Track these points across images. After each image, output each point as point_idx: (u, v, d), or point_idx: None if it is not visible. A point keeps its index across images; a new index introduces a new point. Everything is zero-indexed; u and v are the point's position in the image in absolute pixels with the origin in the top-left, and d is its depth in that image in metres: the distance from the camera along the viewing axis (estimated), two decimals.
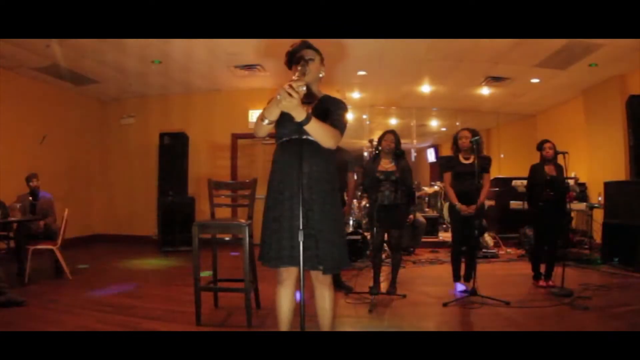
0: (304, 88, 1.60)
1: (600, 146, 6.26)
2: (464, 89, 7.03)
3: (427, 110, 9.03)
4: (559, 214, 3.92)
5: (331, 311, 1.94)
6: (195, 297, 2.81)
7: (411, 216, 5.37)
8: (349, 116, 2.19)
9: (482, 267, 4.30)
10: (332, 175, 1.90)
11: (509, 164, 8.65)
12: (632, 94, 5.31)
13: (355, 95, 7.41)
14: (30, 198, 4.65)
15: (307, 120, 1.66)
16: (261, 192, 2.31)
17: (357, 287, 3.80)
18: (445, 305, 3.28)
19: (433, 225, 6.66)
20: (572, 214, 5.45)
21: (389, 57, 5.49)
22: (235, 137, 6.95)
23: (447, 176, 3.83)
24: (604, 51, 4.96)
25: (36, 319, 2.90)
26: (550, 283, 3.83)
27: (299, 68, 1.73)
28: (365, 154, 8.37)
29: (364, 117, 8.69)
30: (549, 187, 3.84)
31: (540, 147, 3.98)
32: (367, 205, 5.30)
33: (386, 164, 3.63)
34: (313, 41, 1.97)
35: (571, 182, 5.11)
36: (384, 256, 4.48)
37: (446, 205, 5.18)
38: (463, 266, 3.81)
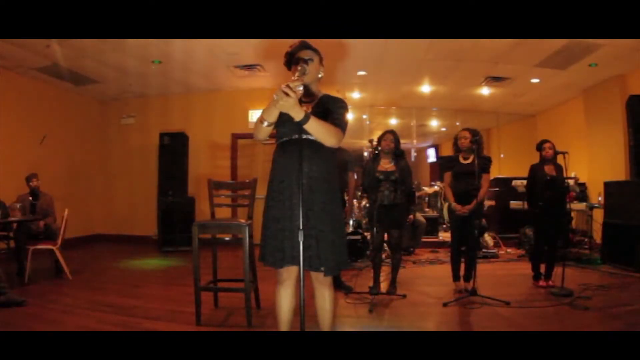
0: (301, 88, 1.59)
1: (600, 146, 6.26)
2: (464, 89, 7.03)
3: (427, 110, 9.03)
4: (559, 214, 3.92)
5: (331, 311, 1.94)
6: (195, 297, 2.81)
7: (411, 216, 5.39)
8: (349, 116, 2.18)
9: (482, 267, 4.30)
10: (332, 175, 1.90)
11: (509, 164, 8.65)
12: (632, 94, 5.31)
13: (355, 95, 7.41)
14: (30, 198, 4.65)
15: (305, 119, 1.65)
16: (261, 192, 2.32)
17: (357, 287, 3.80)
18: (445, 305, 3.28)
19: (433, 225, 6.66)
20: (572, 214, 5.44)
21: (389, 57, 5.49)
22: (235, 137, 6.95)
23: (447, 176, 3.83)
24: (604, 51, 4.96)
25: (36, 319, 2.90)
26: (550, 283, 3.83)
27: (298, 69, 1.73)
28: (365, 154, 8.38)
29: (364, 117, 8.69)
30: (548, 187, 3.84)
31: (540, 147, 3.98)
32: (367, 205, 5.30)
33: (386, 164, 3.63)
34: (313, 41, 1.97)
35: (571, 182, 5.11)
36: (384, 256, 4.48)
37: (446, 205, 5.18)
38: (463, 266, 3.81)
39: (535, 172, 3.99)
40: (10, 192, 4.69)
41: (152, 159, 6.85)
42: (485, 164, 3.70)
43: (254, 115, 6.79)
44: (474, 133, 3.73)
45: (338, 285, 3.61)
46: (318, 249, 1.77)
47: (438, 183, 7.77)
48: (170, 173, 6.58)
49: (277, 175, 1.86)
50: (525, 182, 4.37)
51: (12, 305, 3.14)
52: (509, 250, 6.07)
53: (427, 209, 7.68)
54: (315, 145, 1.81)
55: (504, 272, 4.72)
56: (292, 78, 1.65)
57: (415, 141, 9.92)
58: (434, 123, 10.12)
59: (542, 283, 3.90)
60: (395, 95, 7.67)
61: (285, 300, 1.89)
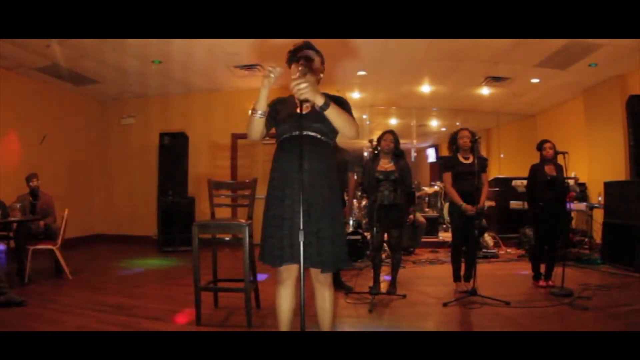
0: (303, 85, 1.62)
1: (600, 146, 6.26)
2: (464, 89, 7.03)
3: (427, 110, 9.02)
4: (559, 214, 3.92)
5: (331, 312, 1.93)
6: (195, 297, 2.81)
7: (411, 216, 5.38)
8: None
9: (482, 267, 4.30)
10: (332, 171, 1.90)
11: (509, 164, 8.65)
12: (632, 94, 5.31)
13: (355, 95, 7.40)
14: (30, 198, 4.65)
15: (326, 105, 1.67)
16: (261, 192, 2.32)
17: (357, 287, 3.80)
18: (445, 305, 3.28)
19: (433, 225, 6.65)
20: (572, 214, 5.45)
21: (389, 57, 5.49)
22: (235, 137, 6.96)
23: (448, 176, 3.81)
24: (604, 51, 4.96)
25: (36, 319, 2.90)
26: (550, 283, 3.83)
27: (300, 68, 1.74)
28: (365, 154, 8.38)
29: (364, 117, 8.69)
30: (549, 187, 3.84)
31: (540, 147, 3.98)
32: (367, 205, 5.30)
33: (385, 164, 3.63)
34: (314, 41, 1.98)
35: (571, 182, 5.11)
36: (384, 256, 4.48)
37: (446, 205, 5.17)
38: (463, 266, 3.80)
39: (535, 172, 3.99)
40: (10, 192, 4.69)
41: (152, 159, 6.84)
42: (484, 163, 3.71)
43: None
44: (472, 134, 3.74)
45: (338, 285, 3.61)
46: (317, 245, 1.77)
47: (438, 183, 7.77)
48: (170, 173, 6.58)
49: (278, 174, 1.86)
50: (525, 182, 4.37)
51: (12, 305, 3.14)
52: (509, 250, 6.07)
53: (427, 209, 7.68)
54: (315, 141, 1.82)
55: (504, 272, 4.72)
56: (292, 77, 1.67)
57: (415, 141, 9.92)
58: (434, 123, 10.12)
59: (542, 283, 3.90)
60: (395, 95, 7.67)
61: (285, 300, 1.89)
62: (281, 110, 1.93)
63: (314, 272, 1.87)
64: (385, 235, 3.70)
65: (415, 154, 10.33)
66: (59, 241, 4.21)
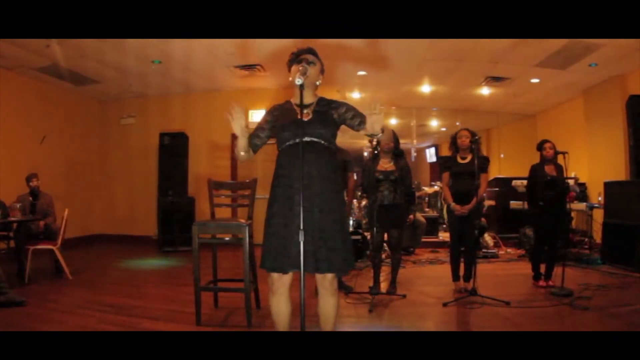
0: (300, 80, 1.68)
1: (600, 146, 6.26)
2: (464, 89, 7.03)
3: (427, 110, 9.02)
4: (559, 214, 3.92)
5: (334, 317, 1.92)
6: (195, 297, 2.81)
7: (411, 216, 5.38)
8: None
9: (482, 267, 4.30)
10: (336, 175, 1.92)
11: (509, 164, 8.65)
12: (632, 94, 5.31)
13: (355, 95, 7.40)
14: (30, 198, 4.65)
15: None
16: (261, 192, 2.32)
17: (357, 287, 3.80)
18: (445, 305, 3.28)
19: (433, 225, 6.66)
20: (572, 214, 5.45)
21: (389, 57, 5.49)
22: (235, 137, 6.86)
23: (445, 176, 3.83)
24: (604, 51, 4.96)
25: (36, 319, 2.90)
26: (550, 283, 3.83)
27: (300, 68, 1.75)
28: (365, 154, 8.37)
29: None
30: (549, 187, 3.84)
31: (540, 147, 3.98)
32: (367, 205, 5.30)
33: (385, 164, 3.63)
34: (313, 41, 1.99)
35: (571, 182, 5.11)
36: (384, 256, 4.48)
37: (446, 206, 5.17)
38: (462, 266, 3.80)
39: (535, 172, 3.99)
40: (10, 192, 4.69)
41: (152, 159, 6.84)
42: (483, 163, 3.70)
43: (254, 115, 6.78)
44: (473, 134, 3.73)
45: (338, 286, 3.61)
46: (322, 250, 1.76)
47: (438, 183, 7.77)
48: (170, 173, 6.59)
49: (284, 180, 1.84)
50: (525, 182, 4.37)
51: (12, 305, 3.14)
52: (509, 250, 6.07)
53: (427, 209, 7.68)
54: (319, 147, 1.83)
55: (504, 272, 4.72)
56: (293, 77, 1.71)
57: (415, 141, 9.91)
58: (434, 123, 10.12)
59: (542, 283, 3.90)
60: (395, 95, 7.67)
61: (280, 307, 1.88)
62: (280, 119, 1.93)
63: (320, 277, 1.85)
64: (385, 235, 3.70)
65: (415, 154, 10.33)
66: (59, 241, 4.21)
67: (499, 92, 7.05)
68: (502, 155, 8.99)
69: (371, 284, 3.59)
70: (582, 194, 6.11)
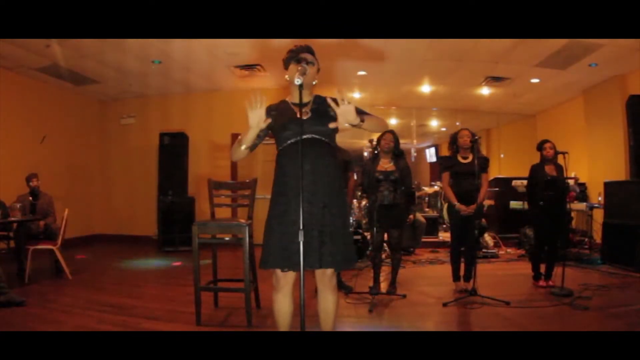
0: (299, 80, 1.68)
1: (600, 146, 6.26)
2: (464, 89, 7.03)
3: (427, 110, 9.02)
4: (559, 214, 3.92)
5: (334, 315, 1.92)
6: (195, 297, 2.81)
7: (411, 216, 5.39)
8: None
9: (482, 267, 4.30)
10: (337, 172, 1.92)
11: (509, 164, 8.65)
12: (632, 94, 5.31)
13: (355, 95, 7.40)
14: (30, 198, 4.65)
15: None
16: (261, 192, 2.32)
17: (357, 287, 3.80)
18: (445, 305, 3.28)
19: (433, 225, 6.65)
20: (572, 214, 5.45)
21: (389, 57, 5.49)
22: (235, 137, 6.87)
23: (446, 176, 3.82)
24: (604, 51, 4.96)
25: (36, 319, 2.90)
26: (550, 283, 3.83)
27: (299, 68, 1.75)
28: (365, 154, 8.37)
29: (356, 109, 8.66)
30: (549, 187, 3.84)
31: (540, 147, 3.98)
32: (367, 205, 5.30)
33: (385, 164, 3.63)
34: (313, 41, 1.98)
35: (571, 182, 5.11)
36: (384, 256, 4.48)
37: (446, 205, 5.16)
38: (463, 266, 3.80)
39: (535, 172, 3.99)
40: (10, 192, 4.69)
41: (152, 159, 6.84)
42: (484, 163, 3.70)
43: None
44: (472, 134, 3.74)
45: (338, 286, 3.61)
46: (327, 246, 1.77)
47: (438, 183, 7.77)
48: (170, 173, 6.59)
49: (285, 178, 1.84)
50: (525, 182, 4.37)
51: (12, 305, 3.14)
52: (509, 250, 6.07)
53: (427, 209, 7.68)
54: (320, 144, 1.83)
55: (504, 272, 4.72)
56: (294, 76, 1.71)
57: (415, 141, 9.91)
58: (434, 123, 10.12)
59: (542, 283, 3.90)
60: (395, 95, 7.67)
61: (283, 306, 1.88)
62: (279, 118, 1.93)
63: (319, 274, 1.86)
64: (385, 235, 3.70)
65: (415, 154, 10.33)
66: (59, 241, 4.21)
67: (499, 92, 7.05)
68: (502, 155, 8.99)
69: (371, 284, 3.59)
70: (582, 194, 6.11)
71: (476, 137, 3.66)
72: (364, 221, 5.81)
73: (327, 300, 1.90)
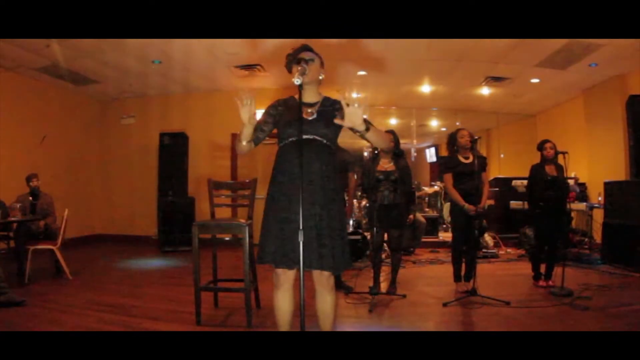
0: (299, 80, 1.69)
1: (600, 146, 6.26)
2: (464, 89, 7.03)
3: (427, 110, 9.02)
4: (559, 214, 3.92)
5: (332, 315, 1.93)
6: (195, 297, 2.81)
7: (411, 216, 5.39)
8: None
9: (482, 267, 4.30)
10: (335, 173, 1.92)
11: (509, 164, 8.65)
12: (632, 94, 5.31)
13: (355, 95, 7.40)
14: (30, 198, 4.65)
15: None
16: (261, 192, 2.32)
17: (357, 287, 3.80)
18: (445, 305, 3.28)
19: (433, 225, 6.65)
20: (572, 214, 5.44)
21: (389, 57, 5.49)
22: (235, 137, 6.93)
23: (448, 177, 3.79)
24: (604, 51, 4.96)
25: (36, 319, 2.90)
26: (550, 283, 3.83)
27: (299, 69, 1.75)
28: (365, 154, 8.37)
29: (364, 117, 8.67)
30: (549, 187, 3.84)
31: (540, 147, 3.98)
32: (367, 205, 5.30)
33: (385, 164, 3.63)
34: (314, 41, 1.98)
35: (571, 182, 5.11)
36: (384, 256, 4.48)
37: (446, 205, 5.17)
38: (463, 266, 3.80)
39: (536, 172, 3.99)
40: (10, 192, 4.68)
41: (152, 159, 6.84)
42: (483, 162, 3.71)
43: (254, 115, 6.78)
44: (470, 134, 3.75)
45: (338, 286, 3.60)
46: (323, 248, 1.77)
47: (438, 183, 7.77)
48: (170, 173, 6.58)
49: (282, 176, 1.86)
50: (525, 182, 4.37)
51: (12, 305, 3.13)
52: (509, 250, 6.07)
53: (427, 209, 7.68)
54: (321, 146, 1.83)
55: (504, 272, 4.72)
56: (294, 79, 1.70)
57: (415, 141, 9.92)
58: (434, 123, 10.12)
59: (542, 283, 3.90)
60: (395, 95, 7.67)
61: (284, 304, 1.88)
62: (285, 114, 1.93)
63: (316, 274, 1.86)
64: (385, 235, 3.70)
65: (415, 154, 10.33)
66: (59, 241, 4.21)
67: (499, 92, 7.05)
68: (502, 155, 8.99)
69: (371, 284, 3.58)
70: (582, 194, 6.11)
71: (475, 137, 3.66)
72: (364, 221, 5.81)
73: (325, 301, 1.91)
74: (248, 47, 5.13)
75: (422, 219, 6.15)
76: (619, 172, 5.63)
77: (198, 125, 7.01)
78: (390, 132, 3.71)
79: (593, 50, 4.97)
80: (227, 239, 6.05)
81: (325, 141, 1.86)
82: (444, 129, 10.24)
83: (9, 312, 3.03)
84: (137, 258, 5.69)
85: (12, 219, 4.03)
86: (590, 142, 6.50)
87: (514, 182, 5.93)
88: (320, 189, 1.80)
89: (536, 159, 4.04)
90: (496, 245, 6.16)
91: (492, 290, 3.47)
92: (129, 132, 7.41)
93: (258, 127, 1.95)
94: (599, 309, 3.11)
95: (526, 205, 4.60)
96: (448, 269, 3.94)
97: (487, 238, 6.04)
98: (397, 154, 3.69)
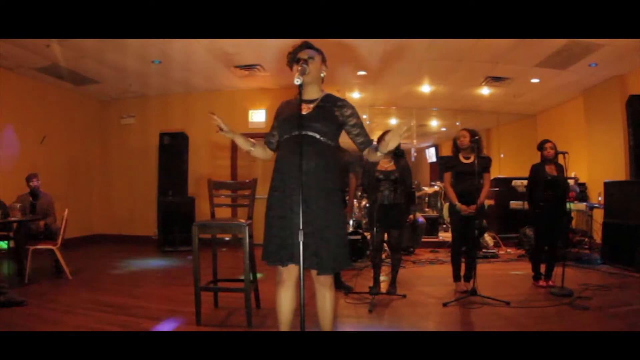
0: (299, 80, 1.69)
1: (600, 146, 6.26)
2: (464, 89, 7.03)
3: (427, 110, 9.03)
4: (559, 213, 3.92)
5: (332, 312, 1.93)
6: (195, 297, 2.81)
7: (411, 216, 5.39)
8: None
9: (482, 267, 4.30)
10: (332, 172, 1.90)
11: (509, 164, 8.65)
12: (632, 94, 5.31)
13: (355, 95, 7.40)
14: (31, 198, 4.65)
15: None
16: (261, 192, 2.32)
17: (357, 287, 3.80)
18: (445, 305, 3.28)
19: (433, 225, 6.66)
20: (572, 214, 5.44)
21: (389, 57, 5.49)
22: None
23: (448, 176, 3.82)
24: (604, 51, 4.96)
25: (36, 319, 2.90)
26: (550, 283, 3.83)
27: (299, 68, 1.75)
28: None
29: (364, 117, 8.69)
30: (549, 187, 3.84)
31: (541, 147, 3.98)
32: (367, 205, 5.30)
33: (385, 164, 3.63)
34: (314, 41, 1.98)
35: (571, 182, 5.11)
36: (384, 256, 4.48)
37: (446, 205, 5.16)
38: (463, 266, 3.80)
39: (536, 172, 3.99)
40: (10, 192, 4.69)
41: (152, 159, 6.85)
42: (486, 163, 3.70)
43: (254, 115, 6.81)
44: (473, 133, 3.73)
45: (338, 286, 3.61)
46: (315, 247, 1.77)
47: (438, 183, 7.77)
48: (170, 173, 6.59)
49: (279, 174, 1.87)
50: (525, 182, 4.37)
51: (12, 305, 3.13)
52: (509, 250, 6.07)
53: (427, 209, 7.68)
54: (315, 141, 1.83)
55: (504, 272, 4.72)
56: (295, 79, 1.70)
57: (415, 141, 9.92)
58: (434, 123, 10.13)
59: (542, 283, 3.90)
60: (395, 95, 7.67)
61: (285, 301, 1.89)
62: (285, 112, 1.94)
63: (314, 272, 1.87)
64: (385, 235, 3.70)
65: (415, 154, 10.34)
66: (59, 241, 4.21)
67: (499, 92, 7.05)
68: (502, 155, 8.99)
69: (371, 284, 3.59)
70: (582, 194, 6.11)
71: (476, 137, 3.65)
72: (364, 221, 5.81)
73: (325, 299, 1.91)
74: (248, 47, 5.13)
75: (422, 219, 6.15)
76: (619, 172, 5.63)
77: (198, 125, 7.00)
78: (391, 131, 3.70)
79: (593, 51, 4.97)
80: (227, 239, 6.05)
81: (318, 136, 1.84)
82: (444, 129, 10.26)
83: (9, 312, 3.03)
84: (137, 258, 5.68)
85: (12, 219, 4.03)
86: (590, 142, 6.50)
87: (514, 182, 5.93)
88: (316, 187, 1.79)
89: (536, 159, 4.04)
90: (496, 245, 6.16)
91: (492, 290, 3.47)
92: (129, 132, 7.41)
93: (270, 132, 2.01)
94: (599, 309, 3.11)
95: (526, 205, 4.59)
96: (448, 269, 3.94)
97: (487, 238, 6.04)
98: (398, 154, 3.69)
